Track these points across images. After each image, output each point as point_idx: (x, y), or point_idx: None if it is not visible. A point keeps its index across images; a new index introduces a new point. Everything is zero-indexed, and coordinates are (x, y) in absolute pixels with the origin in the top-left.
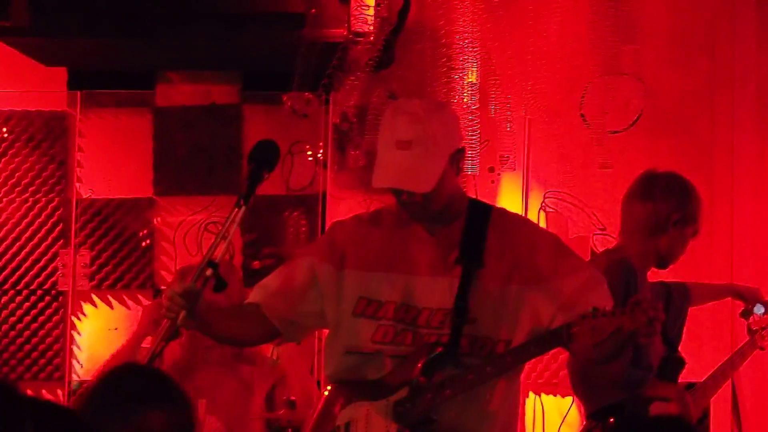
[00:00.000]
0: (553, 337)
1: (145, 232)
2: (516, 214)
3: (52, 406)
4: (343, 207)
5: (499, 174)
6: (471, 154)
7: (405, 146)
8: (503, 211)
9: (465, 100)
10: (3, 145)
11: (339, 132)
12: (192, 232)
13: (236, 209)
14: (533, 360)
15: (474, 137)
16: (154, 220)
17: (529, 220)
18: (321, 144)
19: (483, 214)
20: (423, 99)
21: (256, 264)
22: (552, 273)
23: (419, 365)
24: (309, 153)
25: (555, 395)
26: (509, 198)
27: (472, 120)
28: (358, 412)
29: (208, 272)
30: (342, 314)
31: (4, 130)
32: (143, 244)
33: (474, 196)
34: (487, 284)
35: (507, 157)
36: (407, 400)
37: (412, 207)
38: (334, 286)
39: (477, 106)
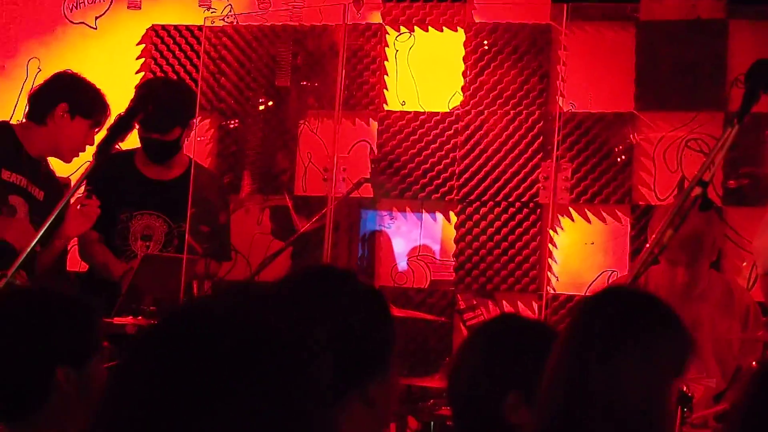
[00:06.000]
0: None
1: (624, 147)
2: None
3: None
4: None
5: None
6: None
7: None
8: None
9: None
10: (486, 57)
11: None
12: (672, 149)
13: (729, 129)
14: None
15: None
16: (634, 135)
17: None
18: None
19: None
20: None
21: (731, 183)
22: None
23: None
24: None
25: None
26: None
27: None
28: None
29: (697, 191)
30: None
31: (485, 42)
32: (621, 159)
33: None
34: None
35: None
36: None
37: None
38: None
39: None
